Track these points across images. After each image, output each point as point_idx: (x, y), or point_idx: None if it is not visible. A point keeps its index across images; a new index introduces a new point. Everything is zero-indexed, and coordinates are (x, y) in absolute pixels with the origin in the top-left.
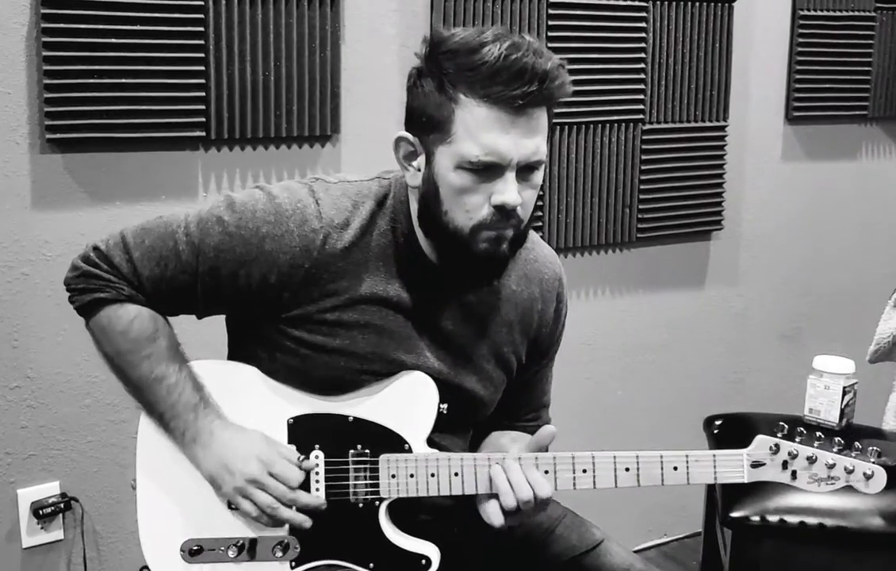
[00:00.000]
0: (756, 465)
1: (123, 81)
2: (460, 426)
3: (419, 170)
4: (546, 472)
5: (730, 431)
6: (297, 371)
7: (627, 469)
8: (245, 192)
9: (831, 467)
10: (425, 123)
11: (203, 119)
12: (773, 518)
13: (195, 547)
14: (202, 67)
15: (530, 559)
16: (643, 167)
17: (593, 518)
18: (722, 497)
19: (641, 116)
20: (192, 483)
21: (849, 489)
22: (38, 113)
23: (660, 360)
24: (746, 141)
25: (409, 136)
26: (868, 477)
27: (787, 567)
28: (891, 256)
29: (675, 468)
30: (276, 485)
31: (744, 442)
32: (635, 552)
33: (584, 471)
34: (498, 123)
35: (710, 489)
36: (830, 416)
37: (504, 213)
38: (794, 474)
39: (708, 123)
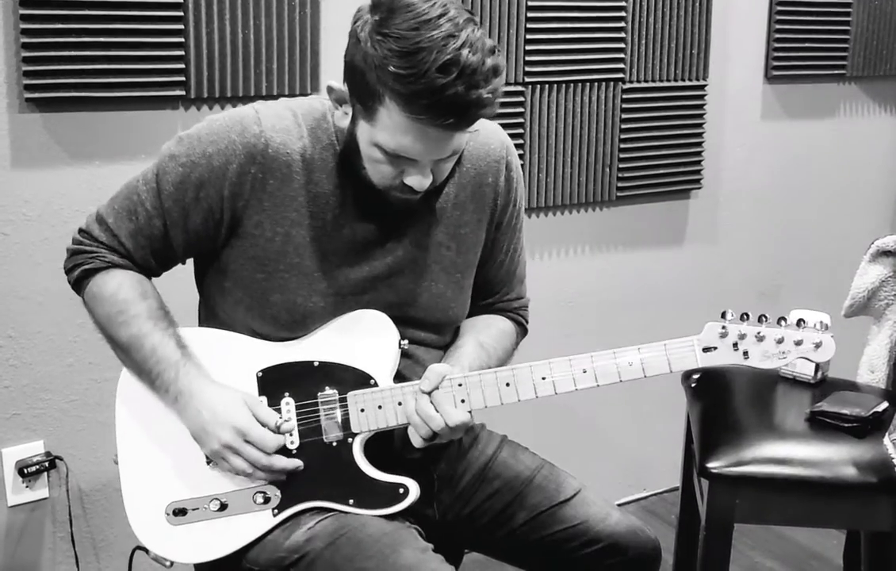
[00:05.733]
0: (707, 349)
1: (103, 39)
2: (436, 334)
3: (347, 115)
4: (507, 385)
5: (707, 385)
6: (256, 297)
7: (585, 371)
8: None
9: (780, 341)
10: (354, 91)
11: (182, 78)
12: (748, 468)
13: (179, 508)
14: (181, 26)
15: (507, 508)
16: (623, 126)
17: (572, 472)
18: (699, 449)
19: (621, 76)
20: (170, 445)
21: (823, 436)
22: (17, 72)
23: (639, 318)
24: (726, 100)
25: (340, 88)
26: (817, 346)
27: (761, 515)
28: (867, 212)
29: (630, 364)
30: (251, 451)
31: (722, 397)
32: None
33: (543, 378)
34: (414, 133)
35: (688, 441)
36: (806, 369)
37: (414, 191)
38: (745, 353)
39: (688, 83)
